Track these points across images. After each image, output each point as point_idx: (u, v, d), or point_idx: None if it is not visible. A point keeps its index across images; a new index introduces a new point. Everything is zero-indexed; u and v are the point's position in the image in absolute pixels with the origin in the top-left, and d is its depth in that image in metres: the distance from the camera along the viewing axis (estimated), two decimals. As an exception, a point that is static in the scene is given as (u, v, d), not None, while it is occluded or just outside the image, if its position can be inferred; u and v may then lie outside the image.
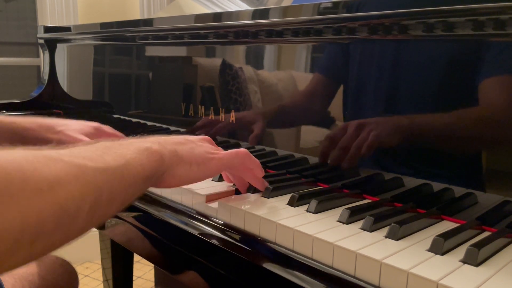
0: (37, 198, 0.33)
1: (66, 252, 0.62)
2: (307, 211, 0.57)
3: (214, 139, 0.90)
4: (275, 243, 0.52)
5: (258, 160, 0.62)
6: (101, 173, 0.41)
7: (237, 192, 0.65)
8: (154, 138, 0.53)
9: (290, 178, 0.72)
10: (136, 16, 2.39)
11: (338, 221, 0.54)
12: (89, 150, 0.43)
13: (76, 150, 0.42)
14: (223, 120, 0.88)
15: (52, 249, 0.37)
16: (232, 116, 0.86)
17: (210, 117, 0.91)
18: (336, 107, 0.70)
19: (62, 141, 0.81)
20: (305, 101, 0.75)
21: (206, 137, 0.61)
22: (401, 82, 0.62)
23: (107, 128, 0.91)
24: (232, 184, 0.67)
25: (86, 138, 0.83)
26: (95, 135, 0.87)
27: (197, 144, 0.57)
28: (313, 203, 0.57)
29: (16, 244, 0.32)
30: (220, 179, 0.69)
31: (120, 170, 0.43)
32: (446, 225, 0.54)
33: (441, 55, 0.58)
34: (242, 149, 0.60)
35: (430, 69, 0.59)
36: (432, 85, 0.59)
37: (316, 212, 0.57)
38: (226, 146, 0.87)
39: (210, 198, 0.62)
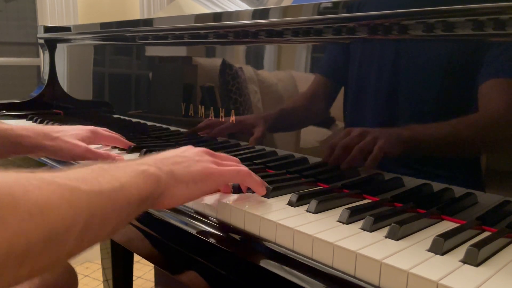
0: (26, 222, 0.33)
1: (66, 252, 0.61)
2: (307, 211, 0.57)
3: (215, 139, 0.90)
4: (275, 243, 0.52)
5: (259, 179, 0.61)
6: (94, 196, 0.40)
7: (237, 191, 0.65)
8: (151, 160, 0.53)
9: (290, 178, 0.72)
10: (136, 16, 2.39)
11: (338, 221, 0.54)
12: (84, 172, 0.42)
13: (72, 172, 0.41)
14: (223, 120, 0.88)
15: (40, 272, 0.36)
16: (232, 116, 0.86)
17: (210, 118, 0.91)
18: (336, 106, 0.70)
19: (59, 147, 0.81)
20: (305, 101, 0.75)
21: (205, 149, 0.60)
22: (401, 82, 0.62)
23: (103, 131, 0.91)
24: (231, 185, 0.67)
25: (83, 144, 0.83)
26: (91, 139, 0.87)
27: (195, 160, 0.56)
28: (313, 203, 0.57)
29: (2, 267, 0.32)
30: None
31: (114, 194, 0.43)
32: (446, 225, 0.54)
33: (440, 55, 0.58)
34: (244, 169, 0.60)
35: (430, 69, 0.59)
36: (432, 85, 0.59)
37: (316, 212, 0.57)
38: (226, 146, 0.87)
39: (210, 197, 0.62)
